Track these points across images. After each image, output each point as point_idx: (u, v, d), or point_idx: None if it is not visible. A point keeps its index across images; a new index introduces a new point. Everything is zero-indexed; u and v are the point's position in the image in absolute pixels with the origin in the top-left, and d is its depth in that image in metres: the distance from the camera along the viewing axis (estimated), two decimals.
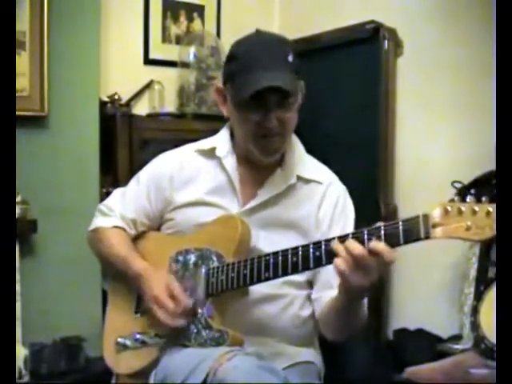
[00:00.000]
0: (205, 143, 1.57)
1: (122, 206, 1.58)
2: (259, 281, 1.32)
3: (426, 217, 1.12)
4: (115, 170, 2.47)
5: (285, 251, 1.28)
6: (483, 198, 1.08)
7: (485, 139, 1.93)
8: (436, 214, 1.11)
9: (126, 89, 2.62)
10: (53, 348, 2.16)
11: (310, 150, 1.59)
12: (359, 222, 1.50)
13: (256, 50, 1.39)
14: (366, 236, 1.18)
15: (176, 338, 1.38)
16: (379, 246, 1.15)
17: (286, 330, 1.47)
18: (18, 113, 1.51)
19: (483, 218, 1.07)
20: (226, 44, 2.02)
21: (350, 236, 1.20)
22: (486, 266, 1.85)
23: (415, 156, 2.35)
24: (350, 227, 1.47)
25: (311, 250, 1.24)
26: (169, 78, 2.75)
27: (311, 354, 1.52)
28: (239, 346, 1.32)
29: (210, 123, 2.42)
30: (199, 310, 1.37)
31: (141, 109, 2.69)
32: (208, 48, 2.76)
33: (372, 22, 2.39)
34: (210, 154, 1.53)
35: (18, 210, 2.11)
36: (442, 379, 1.69)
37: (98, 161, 2.40)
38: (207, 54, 2.75)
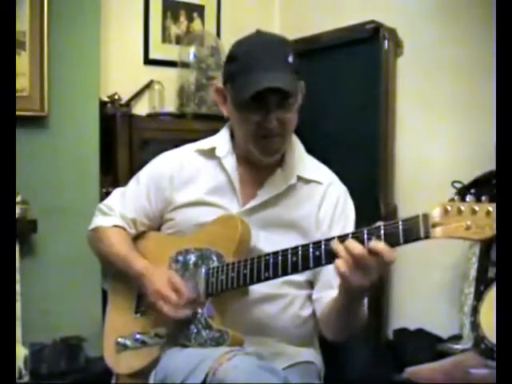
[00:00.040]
0: (205, 143, 1.57)
1: (122, 206, 1.58)
2: (259, 281, 1.32)
3: (425, 216, 1.12)
4: (115, 170, 2.47)
5: (285, 251, 1.28)
6: (483, 198, 1.08)
7: (485, 139, 1.93)
8: (436, 214, 1.11)
9: (126, 89, 2.62)
10: (53, 348, 2.16)
11: (310, 150, 1.59)
12: (359, 222, 1.50)
13: (256, 50, 1.39)
14: (365, 236, 1.18)
15: (176, 337, 1.39)
16: (379, 245, 1.15)
17: (286, 330, 1.47)
18: (18, 113, 1.51)
19: (483, 217, 1.07)
20: (226, 44, 2.02)
21: (350, 236, 1.20)
22: (486, 265, 1.85)
23: (415, 156, 2.35)
24: (350, 227, 1.47)
25: (311, 250, 1.24)
26: (169, 78, 2.75)
27: (311, 354, 1.52)
28: (239, 346, 1.32)
29: (210, 123, 2.42)
30: (199, 310, 1.37)
31: (141, 109, 2.69)
32: (208, 48, 2.76)
33: (372, 22, 2.39)
34: (210, 154, 1.53)
35: (18, 210, 2.11)
36: (441, 379, 1.69)
37: (97, 161, 2.40)
38: (207, 53, 2.75)
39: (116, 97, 2.54)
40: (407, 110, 2.38)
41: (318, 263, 1.25)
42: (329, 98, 2.56)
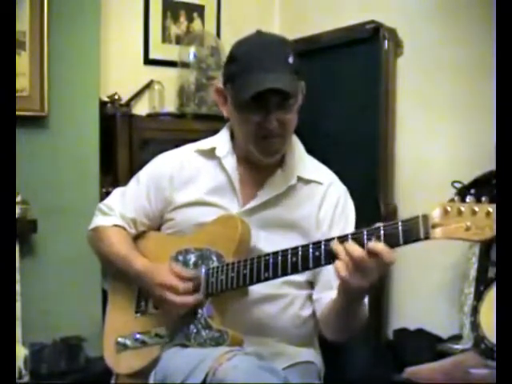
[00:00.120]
0: (205, 143, 1.57)
1: (122, 206, 1.58)
2: (259, 281, 1.32)
3: (425, 217, 1.12)
4: (115, 170, 2.47)
5: (284, 251, 1.28)
6: (483, 199, 1.08)
7: (485, 139, 1.93)
8: (436, 215, 1.11)
9: (126, 89, 2.62)
10: (53, 348, 2.16)
11: (310, 150, 1.59)
12: (359, 222, 1.50)
13: (256, 50, 1.39)
14: (365, 236, 1.18)
15: (176, 337, 1.39)
16: (378, 246, 1.15)
17: (286, 330, 1.47)
18: (18, 113, 1.51)
19: (483, 218, 1.07)
20: (226, 44, 2.02)
21: (350, 236, 1.20)
22: (486, 265, 1.85)
23: (415, 156, 2.35)
24: (350, 228, 1.47)
25: (311, 250, 1.24)
26: (169, 78, 2.75)
27: (311, 354, 1.52)
28: (239, 346, 1.32)
29: (210, 123, 2.43)
30: (199, 310, 1.37)
31: (141, 109, 2.69)
32: (208, 48, 2.76)
33: (372, 22, 2.39)
34: (210, 154, 1.53)
35: (18, 210, 2.11)
36: (442, 379, 1.69)
37: (97, 161, 2.40)
38: (207, 53, 2.75)
39: (116, 97, 2.54)
40: (407, 110, 2.38)
41: (318, 264, 1.25)
42: (329, 98, 2.56)
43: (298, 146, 1.56)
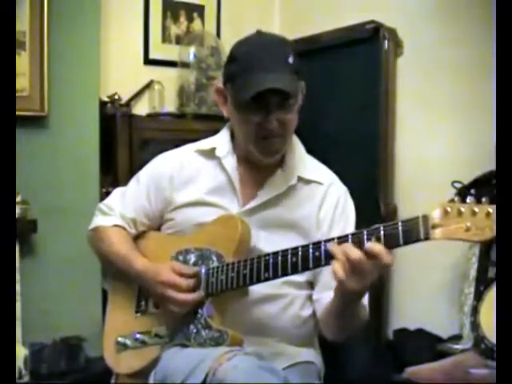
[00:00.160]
0: (205, 143, 1.57)
1: (122, 206, 1.58)
2: (259, 281, 1.32)
3: (425, 218, 1.12)
4: (115, 170, 2.47)
5: (284, 251, 1.28)
6: (483, 199, 1.08)
7: (485, 139, 1.93)
8: (436, 215, 1.11)
9: (126, 89, 2.62)
10: (53, 348, 2.16)
11: (310, 150, 1.59)
12: (359, 222, 1.50)
13: (257, 50, 1.39)
14: (365, 236, 1.18)
15: (176, 337, 1.39)
16: (376, 247, 1.15)
17: (286, 330, 1.47)
18: (18, 113, 1.51)
19: (483, 218, 1.06)
20: (226, 44, 2.02)
21: (350, 236, 1.20)
22: (486, 266, 1.85)
23: (415, 156, 2.35)
24: (350, 228, 1.47)
25: (311, 251, 1.24)
26: (169, 78, 2.75)
27: (311, 354, 1.52)
28: (239, 346, 1.32)
29: (210, 123, 2.43)
30: (199, 310, 1.37)
31: (141, 109, 2.69)
32: (208, 48, 2.76)
33: (372, 22, 2.39)
34: (210, 154, 1.53)
35: (18, 210, 2.11)
36: (442, 379, 1.69)
37: (98, 161, 2.40)
38: (207, 53, 2.75)
39: (116, 97, 2.54)
40: (407, 110, 2.38)
41: (318, 264, 1.25)
42: (329, 98, 2.56)
43: (298, 146, 1.56)
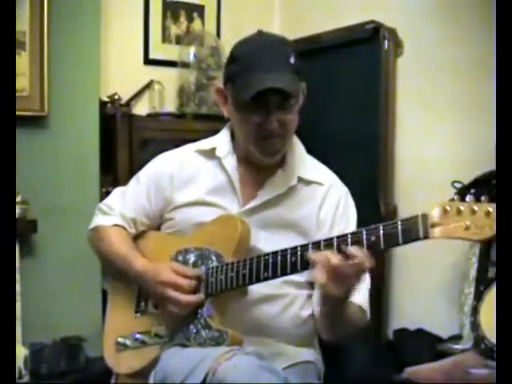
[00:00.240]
0: (205, 143, 1.57)
1: (122, 205, 1.58)
2: (258, 280, 1.32)
3: (424, 217, 1.12)
4: (115, 170, 2.47)
5: (284, 251, 1.28)
6: (482, 198, 1.08)
7: (485, 139, 1.93)
8: (435, 214, 1.11)
9: (126, 89, 2.62)
10: (53, 348, 2.16)
11: (310, 150, 1.59)
12: (359, 222, 1.50)
13: (257, 51, 1.39)
14: (364, 236, 1.18)
15: (176, 337, 1.38)
16: (357, 252, 1.16)
17: (286, 330, 1.46)
18: (18, 113, 1.51)
19: (482, 217, 1.07)
20: (226, 44, 2.02)
21: (349, 236, 1.20)
22: (486, 265, 1.85)
23: (415, 156, 2.35)
24: (351, 229, 1.46)
25: (310, 250, 1.24)
26: (169, 78, 2.75)
27: (311, 354, 1.52)
28: (238, 346, 1.32)
29: (210, 123, 2.43)
30: (199, 310, 1.37)
31: (141, 109, 2.69)
32: (208, 48, 2.76)
33: (372, 22, 2.39)
34: (210, 154, 1.53)
35: (18, 210, 2.11)
36: (441, 379, 1.69)
37: (97, 161, 2.40)
38: (207, 53, 2.75)
39: (116, 97, 2.54)
40: (407, 110, 2.38)
41: None
42: (329, 98, 2.56)
43: (298, 147, 1.56)
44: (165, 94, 2.73)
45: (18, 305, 2.07)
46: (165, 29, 2.82)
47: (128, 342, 1.48)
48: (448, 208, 1.10)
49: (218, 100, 1.50)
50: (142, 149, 2.48)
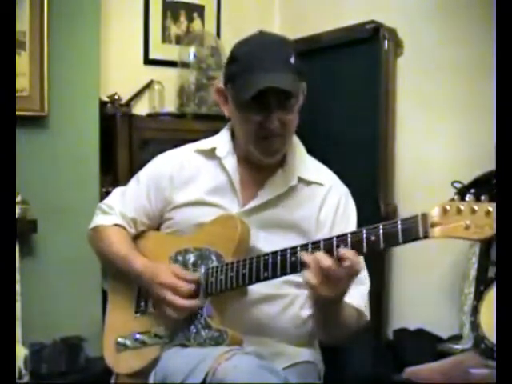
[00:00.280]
0: (205, 143, 1.57)
1: (122, 205, 1.58)
2: (258, 280, 1.32)
3: (424, 216, 1.12)
4: (115, 170, 2.47)
5: (284, 251, 1.28)
6: (482, 197, 1.08)
7: (485, 139, 1.93)
8: (435, 214, 1.11)
9: (126, 89, 2.62)
10: (53, 348, 2.16)
11: (310, 151, 1.59)
12: (359, 222, 1.50)
13: (258, 51, 1.39)
14: (364, 235, 1.18)
15: (176, 337, 1.38)
16: (348, 254, 1.16)
17: (285, 330, 1.46)
18: (18, 113, 1.51)
19: (482, 217, 1.07)
20: (226, 44, 2.02)
21: (349, 235, 1.20)
22: (486, 265, 1.85)
23: (415, 156, 2.35)
24: (351, 229, 1.46)
25: (310, 250, 1.24)
26: (169, 78, 2.75)
27: (311, 354, 1.52)
28: (238, 346, 1.31)
29: (210, 123, 2.43)
30: (199, 310, 1.37)
31: (141, 109, 2.69)
32: (208, 48, 2.77)
33: (372, 22, 2.39)
34: (211, 154, 1.53)
35: (18, 210, 2.11)
36: (441, 379, 1.69)
37: (97, 161, 2.40)
38: (207, 53, 2.75)
39: (116, 97, 2.54)
40: (407, 110, 2.38)
41: None
42: (329, 98, 2.56)
43: (298, 147, 1.56)
44: (165, 94, 2.73)
45: (18, 305, 2.07)
46: (165, 29, 2.83)
47: (128, 342, 1.48)
48: (448, 207, 1.10)
49: (219, 100, 1.50)
50: (142, 149, 2.48)
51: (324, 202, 1.50)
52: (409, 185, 2.37)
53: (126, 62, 2.71)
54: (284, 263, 1.28)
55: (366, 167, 2.42)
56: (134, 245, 1.55)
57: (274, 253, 1.30)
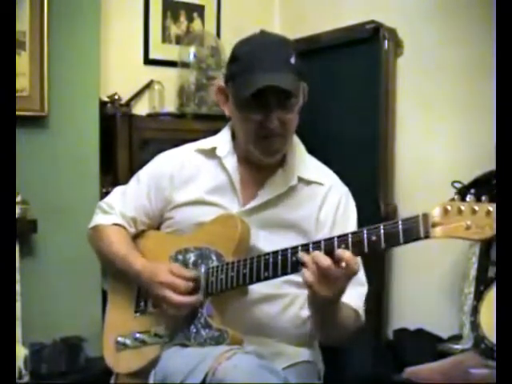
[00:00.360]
0: (205, 143, 1.57)
1: (122, 205, 1.58)
2: (258, 280, 1.32)
3: (425, 216, 1.12)
4: (115, 170, 2.47)
5: (284, 251, 1.28)
6: (483, 198, 1.08)
7: (485, 139, 1.93)
8: (436, 214, 1.11)
9: (126, 89, 2.62)
10: (53, 348, 2.16)
11: (311, 150, 1.59)
12: (359, 222, 1.50)
13: (258, 50, 1.39)
14: (365, 235, 1.18)
15: (176, 337, 1.38)
16: (345, 254, 1.17)
17: (286, 330, 1.47)
18: (18, 113, 1.51)
19: (483, 217, 1.07)
20: (226, 44, 2.02)
21: (350, 235, 1.20)
22: (486, 265, 1.85)
23: (415, 156, 2.35)
24: (351, 229, 1.46)
25: (311, 250, 1.24)
26: (169, 78, 2.75)
27: (311, 354, 1.52)
28: (239, 346, 1.31)
29: (210, 123, 2.43)
30: (199, 310, 1.37)
31: (141, 109, 2.69)
32: (208, 48, 2.77)
33: (372, 22, 2.39)
34: (211, 153, 1.53)
35: (18, 210, 2.11)
36: (441, 379, 1.69)
37: (97, 161, 2.40)
38: (207, 53, 2.75)
39: (116, 97, 2.54)
40: (407, 110, 2.38)
41: None
42: (329, 98, 2.56)
43: (299, 147, 1.56)
44: (165, 94, 2.73)
45: (18, 305, 2.07)
46: (165, 29, 2.83)
47: (128, 342, 1.48)
48: (449, 208, 1.10)
49: (219, 99, 1.50)
50: (142, 149, 2.48)
51: (324, 201, 1.50)
52: (409, 185, 2.37)
53: (126, 62, 2.71)
54: (285, 263, 1.28)
55: (365, 167, 2.42)
56: (133, 245, 1.55)
57: (275, 252, 1.30)
